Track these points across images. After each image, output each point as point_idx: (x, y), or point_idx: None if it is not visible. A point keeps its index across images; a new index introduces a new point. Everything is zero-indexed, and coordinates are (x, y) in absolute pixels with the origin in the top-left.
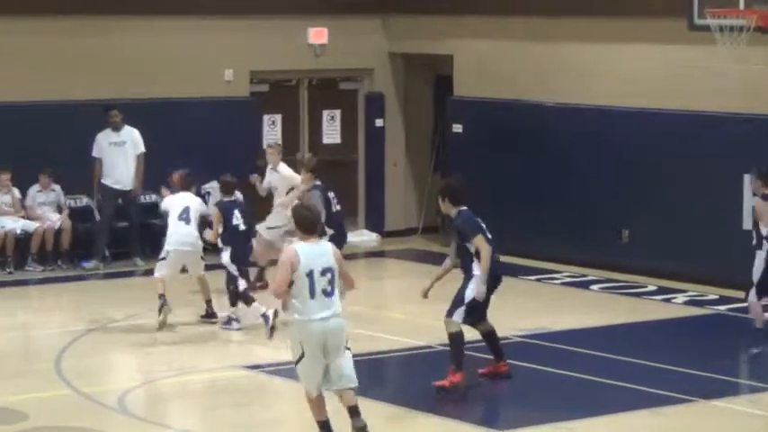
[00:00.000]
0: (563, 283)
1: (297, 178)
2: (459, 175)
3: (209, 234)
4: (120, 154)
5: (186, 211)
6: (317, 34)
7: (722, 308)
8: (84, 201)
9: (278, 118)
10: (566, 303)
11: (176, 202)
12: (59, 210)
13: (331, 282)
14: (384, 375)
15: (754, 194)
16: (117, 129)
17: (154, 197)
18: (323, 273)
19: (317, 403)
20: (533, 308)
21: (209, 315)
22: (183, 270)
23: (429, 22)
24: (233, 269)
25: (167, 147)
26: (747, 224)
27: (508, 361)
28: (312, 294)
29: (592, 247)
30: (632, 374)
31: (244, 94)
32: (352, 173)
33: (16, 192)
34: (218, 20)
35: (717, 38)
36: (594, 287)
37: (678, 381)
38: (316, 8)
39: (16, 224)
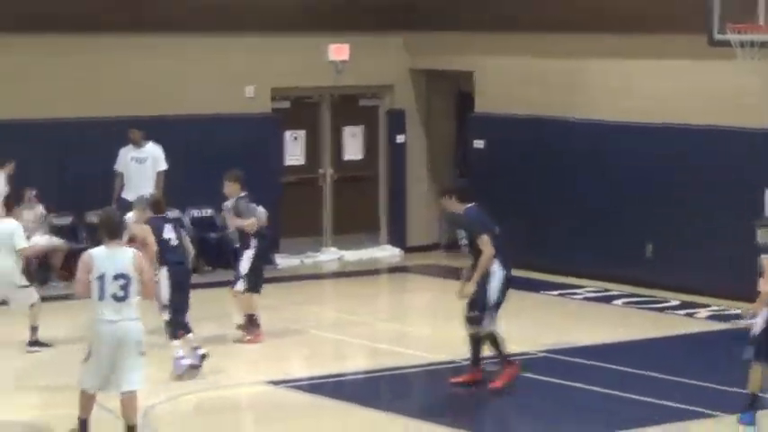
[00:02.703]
0: (585, 298)
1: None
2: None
3: None
4: (140, 170)
5: None
6: (338, 51)
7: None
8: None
9: (300, 134)
10: (588, 318)
11: None
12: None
13: (124, 287)
14: (407, 390)
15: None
16: (138, 145)
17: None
18: (115, 278)
19: (87, 401)
20: (555, 322)
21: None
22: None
23: (450, 38)
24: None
25: (190, 163)
26: None
27: (530, 376)
28: (101, 297)
29: (615, 261)
30: (654, 389)
31: (266, 111)
32: (374, 188)
33: (41, 208)
34: (240, 37)
35: (737, 53)
36: (617, 302)
37: (701, 396)
38: (337, 25)
39: (41, 240)
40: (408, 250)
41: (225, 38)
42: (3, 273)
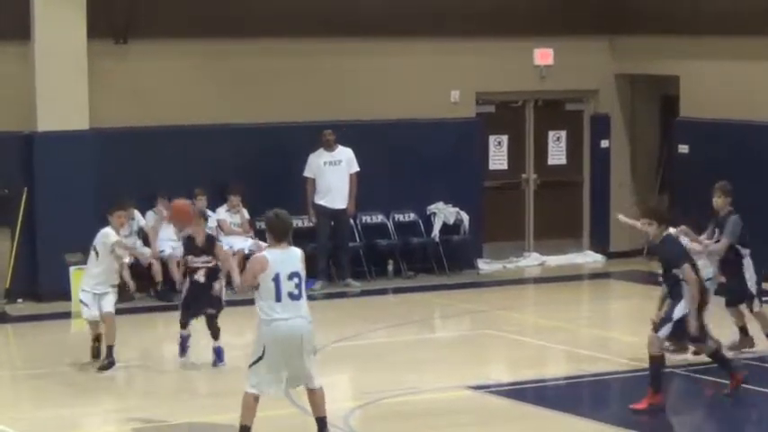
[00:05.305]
0: None
1: None
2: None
3: None
4: (335, 173)
5: None
6: (543, 55)
7: None
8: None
9: (504, 139)
10: None
11: None
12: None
13: (298, 286)
14: (607, 397)
15: None
16: (330, 148)
17: (380, 217)
18: (290, 277)
19: (251, 406)
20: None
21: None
22: None
23: (655, 42)
24: None
25: (393, 168)
26: None
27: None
28: (278, 298)
29: None
30: None
31: (470, 115)
32: (578, 194)
33: (245, 212)
34: (445, 42)
35: None
36: None
37: None
38: (541, 29)
39: (245, 244)
40: (611, 256)
41: (431, 42)
42: None
